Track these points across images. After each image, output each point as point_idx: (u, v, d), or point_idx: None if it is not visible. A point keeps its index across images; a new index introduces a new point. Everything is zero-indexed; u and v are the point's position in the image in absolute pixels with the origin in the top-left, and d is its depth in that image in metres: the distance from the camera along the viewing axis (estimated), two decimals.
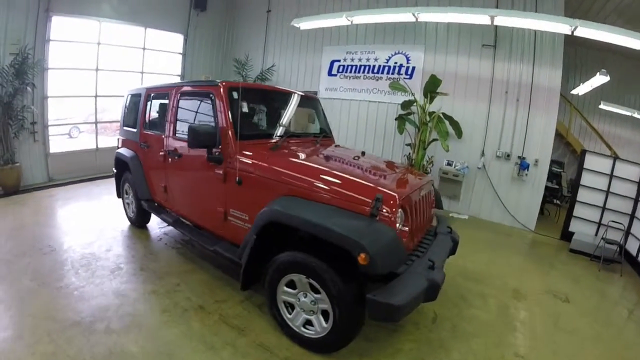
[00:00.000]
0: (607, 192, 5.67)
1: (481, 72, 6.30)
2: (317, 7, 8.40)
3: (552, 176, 7.88)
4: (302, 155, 3.49)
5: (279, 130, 3.92)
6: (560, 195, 8.24)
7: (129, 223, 5.42)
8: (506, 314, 3.72)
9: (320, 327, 2.75)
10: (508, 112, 6.16)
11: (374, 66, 7.89)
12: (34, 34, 6.89)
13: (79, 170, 8.08)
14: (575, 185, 6.02)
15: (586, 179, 5.83)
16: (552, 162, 7.40)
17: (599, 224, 5.72)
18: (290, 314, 2.93)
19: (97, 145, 8.59)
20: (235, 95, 3.55)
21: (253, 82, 9.38)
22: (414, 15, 5.65)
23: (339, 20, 6.77)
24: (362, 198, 2.59)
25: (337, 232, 2.37)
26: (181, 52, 10.08)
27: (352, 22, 6.78)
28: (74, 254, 4.30)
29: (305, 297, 2.78)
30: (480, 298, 3.98)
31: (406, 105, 6.82)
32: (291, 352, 2.85)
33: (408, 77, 7.39)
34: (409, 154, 6.89)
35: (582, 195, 5.87)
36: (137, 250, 4.56)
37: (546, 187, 6.34)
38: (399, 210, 2.63)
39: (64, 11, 7.30)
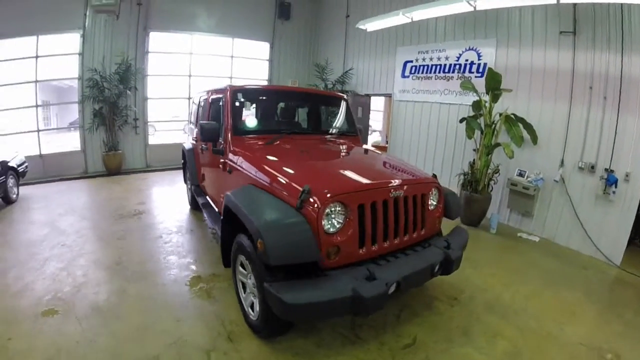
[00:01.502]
0: None
1: (560, 64, 5.13)
2: (389, 8, 8.14)
3: None
4: (284, 151, 3.45)
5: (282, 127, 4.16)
6: None
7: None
8: None
9: (254, 310, 2.79)
10: (593, 113, 4.87)
11: (444, 65, 7.25)
12: (135, 47, 8.41)
13: (171, 160, 9.30)
14: None
15: None
16: None
17: None
18: (244, 293, 3.01)
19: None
20: (240, 97, 3.97)
21: (332, 85, 9.58)
22: (470, 3, 5.02)
23: (399, 18, 6.54)
24: (295, 190, 2.51)
25: (249, 219, 2.45)
26: (267, 58, 10.87)
27: (412, 19, 6.44)
28: (154, 219, 5.67)
29: (250, 279, 2.80)
30: (489, 337, 3.05)
31: (476, 106, 6.08)
32: (239, 329, 2.98)
33: (479, 75, 6.56)
34: (472, 160, 6.10)
35: None
36: (190, 222, 5.67)
37: None
38: (334, 205, 2.42)
39: (159, 28, 8.73)
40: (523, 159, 5.77)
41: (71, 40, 7.73)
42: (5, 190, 5.92)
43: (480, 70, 6.59)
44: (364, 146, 4.21)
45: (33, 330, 2.88)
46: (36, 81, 7.52)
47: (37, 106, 7.49)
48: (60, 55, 7.83)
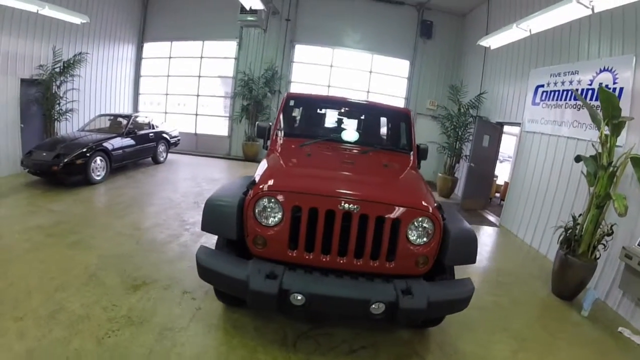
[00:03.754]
0: None
1: None
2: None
3: None
4: (303, 155, 3.40)
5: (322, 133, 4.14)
6: None
7: None
8: None
9: None
10: None
11: (576, 90, 5.62)
12: (282, 57, 9.71)
13: None
14: None
15: None
16: None
17: None
18: None
19: None
20: (291, 103, 4.19)
21: (465, 108, 8.73)
22: (586, 6, 3.72)
23: (515, 32, 5.63)
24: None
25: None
26: (407, 76, 10.67)
27: (530, 31, 5.39)
28: None
29: None
30: None
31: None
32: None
33: (617, 102, 4.81)
34: (579, 215, 4.45)
35: None
36: None
37: None
38: (269, 200, 2.42)
39: (304, 41, 9.82)
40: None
41: (229, 47, 9.62)
42: (155, 153, 7.80)
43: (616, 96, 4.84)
44: (410, 166, 3.70)
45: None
46: (199, 76, 9.66)
47: (197, 95, 9.67)
48: (220, 58, 9.83)
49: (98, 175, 6.13)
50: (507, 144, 11.11)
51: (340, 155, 3.44)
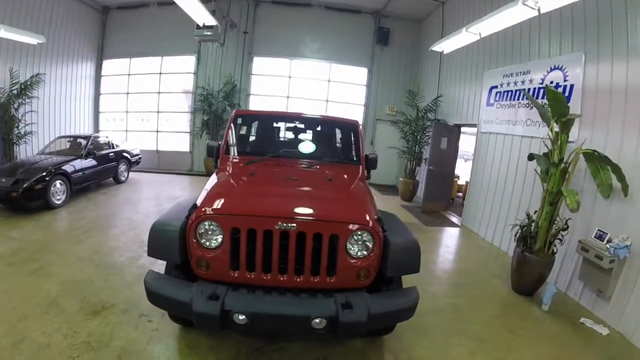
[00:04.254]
0: None
1: None
2: None
3: None
4: (247, 174, 3.43)
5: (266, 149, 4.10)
6: None
7: None
8: None
9: None
10: None
11: (528, 90, 6.08)
12: (240, 70, 9.88)
13: None
14: None
15: None
16: None
17: None
18: None
19: None
20: (239, 120, 4.28)
21: (422, 112, 9.14)
22: (532, 7, 4.12)
23: (465, 36, 5.89)
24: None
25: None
26: (365, 83, 11.06)
27: (479, 34, 5.72)
28: None
29: None
30: None
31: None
32: None
33: (565, 100, 5.29)
34: (534, 212, 4.80)
35: None
36: None
37: None
38: (209, 223, 2.51)
39: (262, 53, 10.03)
40: (611, 216, 4.16)
41: (188, 62, 9.71)
42: (116, 173, 7.78)
43: (567, 94, 5.25)
44: (358, 178, 3.75)
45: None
46: (159, 92, 9.70)
47: (158, 112, 9.68)
48: (179, 73, 9.90)
49: (58, 200, 6.11)
50: (471, 143, 11.67)
51: (285, 172, 3.48)
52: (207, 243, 2.50)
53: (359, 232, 2.52)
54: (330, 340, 3.07)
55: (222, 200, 2.69)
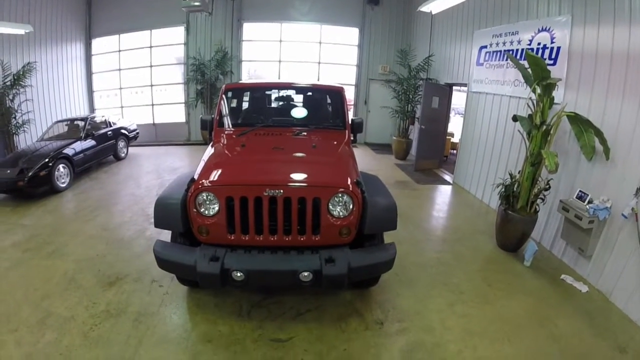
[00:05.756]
0: None
1: None
2: None
3: None
4: (238, 145, 3.63)
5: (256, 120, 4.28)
6: None
7: None
8: None
9: None
10: None
11: (516, 50, 6.01)
12: (231, 37, 9.69)
13: None
14: None
15: None
16: None
17: None
18: None
19: None
20: (229, 94, 4.41)
21: (414, 72, 9.10)
22: None
23: None
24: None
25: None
26: (357, 44, 10.86)
27: None
28: None
29: None
30: None
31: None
32: None
33: (552, 62, 5.18)
34: (518, 172, 4.95)
35: None
36: None
37: None
38: (207, 194, 2.78)
39: (252, 19, 9.83)
40: (593, 178, 4.23)
41: (177, 33, 9.57)
42: (115, 150, 7.95)
43: (553, 56, 5.26)
44: (344, 142, 3.93)
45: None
46: (150, 66, 9.64)
47: (151, 85, 9.69)
48: (170, 45, 9.79)
49: (63, 183, 6.32)
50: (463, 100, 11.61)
51: (274, 141, 3.71)
52: (206, 212, 2.80)
53: (339, 195, 2.80)
54: (323, 293, 3.41)
55: (217, 173, 2.97)
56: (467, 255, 4.44)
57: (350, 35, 10.83)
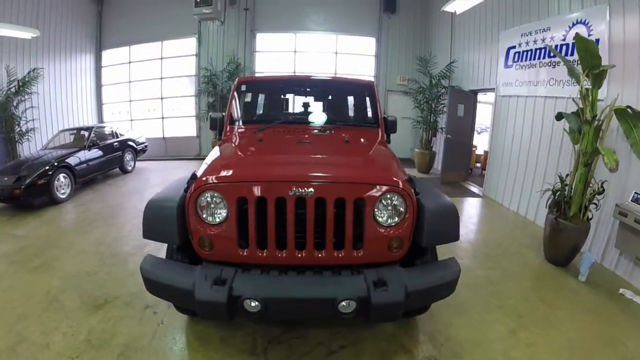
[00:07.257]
0: None
1: None
2: None
3: None
4: (254, 141, 3.09)
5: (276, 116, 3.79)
6: None
7: None
8: None
9: None
10: None
11: (550, 46, 5.56)
12: (244, 48, 9.45)
13: None
14: None
15: None
16: None
17: None
18: None
19: None
20: (243, 88, 3.87)
21: (436, 79, 8.63)
22: None
23: None
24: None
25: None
26: (374, 54, 10.51)
27: None
28: None
29: None
30: None
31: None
32: None
33: (597, 49, 4.75)
34: (566, 175, 4.35)
35: None
36: None
37: None
38: (212, 194, 2.13)
39: (265, 29, 9.59)
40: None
41: (189, 44, 9.35)
42: (122, 163, 7.60)
43: None
44: (378, 141, 3.38)
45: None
46: (161, 78, 9.39)
47: (162, 98, 9.41)
48: (181, 56, 9.57)
49: (63, 194, 5.92)
50: (484, 115, 11.09)
51: (297, 137, 3.09)
52: (210, 218, 2.15)
53: (388, 195, 2.14)
54: (357, 325, 2.75)
55: (226, 168, 2.37)
56: (516, 271, 3.90)
57: (367, 45, 10.49)
